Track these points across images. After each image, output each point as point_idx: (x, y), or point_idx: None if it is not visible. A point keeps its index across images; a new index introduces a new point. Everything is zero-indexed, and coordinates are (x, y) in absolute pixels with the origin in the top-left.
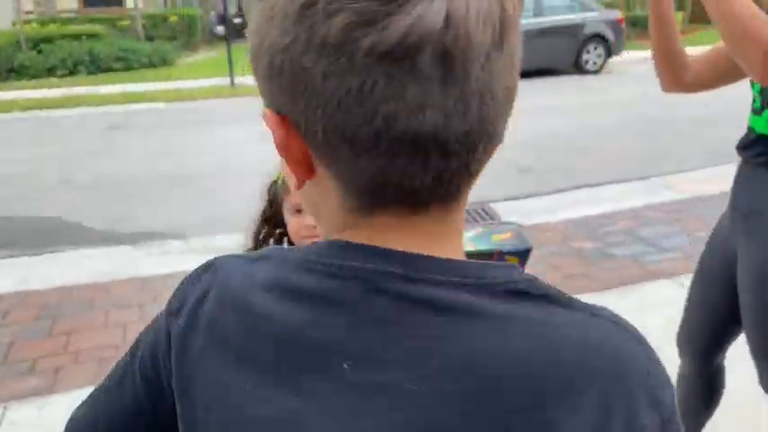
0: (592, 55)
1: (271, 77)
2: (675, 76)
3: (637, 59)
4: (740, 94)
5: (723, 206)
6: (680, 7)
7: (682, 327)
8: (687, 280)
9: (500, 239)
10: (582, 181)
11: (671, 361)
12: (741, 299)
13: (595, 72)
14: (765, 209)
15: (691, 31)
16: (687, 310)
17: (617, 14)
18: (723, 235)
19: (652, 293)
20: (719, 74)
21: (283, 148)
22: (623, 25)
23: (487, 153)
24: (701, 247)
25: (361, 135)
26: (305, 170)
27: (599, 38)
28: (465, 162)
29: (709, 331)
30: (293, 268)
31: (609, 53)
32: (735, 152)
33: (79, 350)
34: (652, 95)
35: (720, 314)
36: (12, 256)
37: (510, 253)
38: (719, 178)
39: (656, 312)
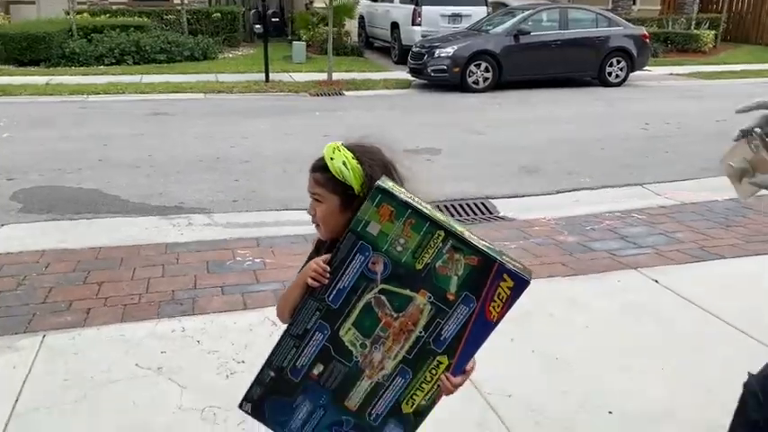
0: (615, 68)
1: None
2: None
3: (661, 75)
4: None
5: (703, 212)
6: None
7: None
8: (653, 273)
9: (509, 259)
10: (583, 184)
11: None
12: None
13: (617, 84)
14: None
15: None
16: None
17: (642, 30)
18: None
19: (617, 281)
20: None
21: None
22: (648, 41)
23: None
24: (676, 246)
25: None
26: None
27: (622, 52)
28: None
29: None
30: None
31: (632, 67)
32: (718, 166)
33: (108, 296)
34: (665, 111)
35: None
36: (54, 220)
37: (510, 274)
38: (705, 189)
39: (618, 297)
